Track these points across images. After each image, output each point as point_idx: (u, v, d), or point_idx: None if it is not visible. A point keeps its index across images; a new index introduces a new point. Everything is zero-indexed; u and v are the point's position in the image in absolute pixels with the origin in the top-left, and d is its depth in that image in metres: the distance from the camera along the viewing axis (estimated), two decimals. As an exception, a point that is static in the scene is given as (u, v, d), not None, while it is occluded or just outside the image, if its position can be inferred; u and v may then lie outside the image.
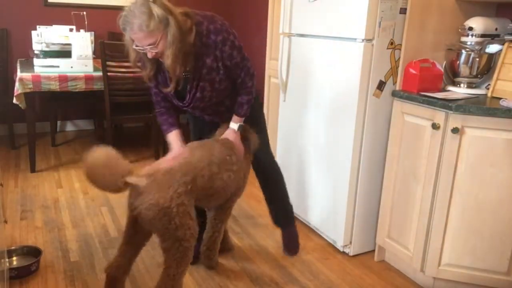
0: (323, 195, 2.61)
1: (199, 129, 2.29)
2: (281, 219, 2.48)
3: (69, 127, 4.80)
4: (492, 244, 2.04)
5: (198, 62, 1.91)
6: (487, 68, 2.27)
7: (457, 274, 2.13)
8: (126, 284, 2.16)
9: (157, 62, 1.93)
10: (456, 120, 1.98)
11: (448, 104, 1.98)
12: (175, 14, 1.77)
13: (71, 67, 3.54)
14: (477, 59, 2.24)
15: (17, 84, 3.27)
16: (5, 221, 2.41)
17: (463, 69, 2.28)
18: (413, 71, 2.19)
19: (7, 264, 2.18)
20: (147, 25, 1.70)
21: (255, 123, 2.21)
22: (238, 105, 2.08)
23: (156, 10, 1.71)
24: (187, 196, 1.74)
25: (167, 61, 1.80)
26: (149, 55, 1.82)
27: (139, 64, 1.93)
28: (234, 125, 2.08)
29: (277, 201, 2.45)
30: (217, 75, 1.96)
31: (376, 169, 2.43)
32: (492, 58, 2.25)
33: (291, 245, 2.48)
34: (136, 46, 1.81)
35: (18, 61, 3.91)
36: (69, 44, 3.56)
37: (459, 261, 2.12)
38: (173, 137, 2.06)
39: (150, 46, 1.78)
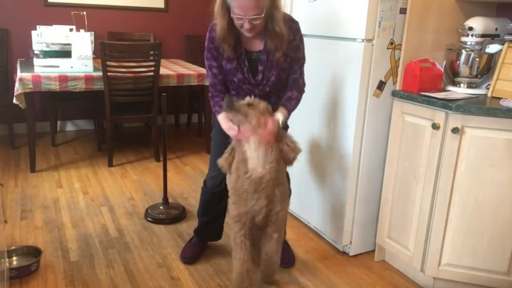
0: (323, 195, 2.61)
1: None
2: None
3: (69, 127, 4.80)
4: (492, 244, 2.04)
5: (273, 43, 1.99)
6: (487, 68, 2.27)
7: (457, 274, 2.13)
8: (125, 284, 2.18)
9: (235, 42, 2.02)
10: (456, 120, 1.98)
11: (448, 104, 1.98)
12: None
13: (71, 67, 3.54)
14: (477, 59, 2.24)
15: (17, 84, 3.27)
16: (5, 221, 2.42)
17: (463, 69, 2.28)
18: (413, 71, 2.19)
19: (7, 264, 2.18)
20: None
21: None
22: (287, 99, 2.08)
23: None
24: None
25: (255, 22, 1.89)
26: (247, 26, 1.90)
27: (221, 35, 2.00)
28: (279, 114, 2.01)
29: None
30: (285, 62, 2.05)
31: (376, 169, 2.43)
32: (492, 58, 2.25)
33: (284, 258, 2.36)
34: (237, 14, 1.87)
35: (18, 61, 3.91)
36: (69, 44, 3.56)
37: (459, 261, 2.12)
38: (223, 117, 2.12)
39: (254, 17, 1.87)
